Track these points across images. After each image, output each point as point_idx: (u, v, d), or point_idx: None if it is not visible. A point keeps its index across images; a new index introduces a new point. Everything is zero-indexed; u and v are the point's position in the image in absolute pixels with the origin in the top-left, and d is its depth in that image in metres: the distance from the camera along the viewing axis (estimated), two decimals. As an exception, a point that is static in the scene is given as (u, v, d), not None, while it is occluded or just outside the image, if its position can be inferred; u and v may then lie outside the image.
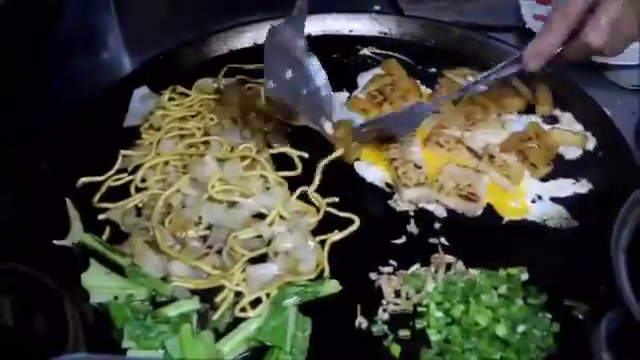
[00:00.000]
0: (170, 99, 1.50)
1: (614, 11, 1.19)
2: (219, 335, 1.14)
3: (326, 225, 1.29)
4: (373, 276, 1.22)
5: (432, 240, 1.27)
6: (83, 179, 1.36)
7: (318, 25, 1.68)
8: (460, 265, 1.22)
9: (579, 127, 1.43)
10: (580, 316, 1.15)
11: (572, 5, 1.22)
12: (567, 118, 1.45)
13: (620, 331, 0.94)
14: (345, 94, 1.54)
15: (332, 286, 1.19)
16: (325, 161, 1.38)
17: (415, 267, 1.23)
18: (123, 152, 1.40)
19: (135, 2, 1.92)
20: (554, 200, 1.34)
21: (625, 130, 1.41)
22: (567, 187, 1.36)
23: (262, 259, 1.23)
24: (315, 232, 1.28)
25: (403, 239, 1.27)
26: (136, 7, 1.90)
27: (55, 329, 1.00)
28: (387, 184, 1.37)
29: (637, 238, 1.01)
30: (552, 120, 1.46)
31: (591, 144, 1.42)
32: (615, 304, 0.95)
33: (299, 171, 1.39)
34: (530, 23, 1.69)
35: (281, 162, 1.40)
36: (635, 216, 1.03)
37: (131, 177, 1.36)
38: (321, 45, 1.64)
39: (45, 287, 1.02)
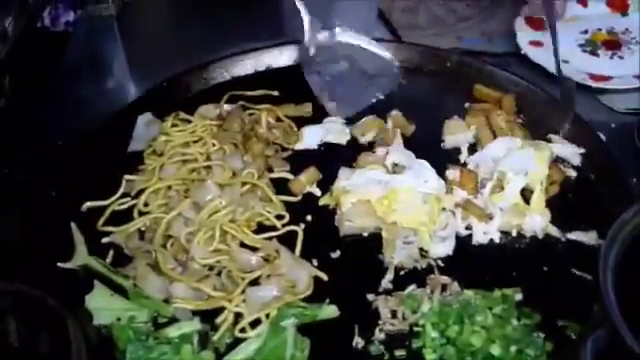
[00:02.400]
0: (173, 125, 1.53)
1: None
2: (219, 355, 1.16)
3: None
4: (370, 297, 1.24)
5: (428, 261, 1.29)
6: (88, 203, 1.39)
7: (318, 52, 1.71)
8: (455, 286, 1.24)
9: (571, 149, 1.46)
10: (573, 336, 1.17)
11: None
12: (559, 140, 1.47)
13: (607, 351, 0.96)
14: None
15: (330, 311, 1.21)
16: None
17: (411, 288, 1.25)
18: (127, 177, 1.42)
19: (141, 31, 1.96)
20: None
21: (618, 153, 1.43)
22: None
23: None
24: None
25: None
26: (142, 36, 1.94)
27: (59, 350, 1.02)
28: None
29: (625, 259, 1.03)
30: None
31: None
32: (603, 324, 0.97)
33: (299, 197, 1.42)
34: (526, 49, 1.72)
35: (282, 186, 1.43)
36: (623, 237, 1.05)
37: (134, 201, 1.39)
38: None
39: (49, 308, 1.04)
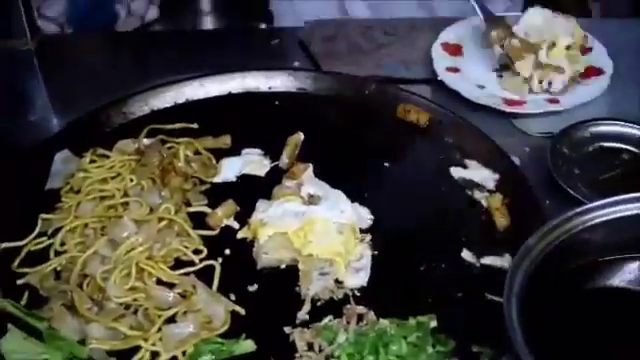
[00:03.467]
0: (91, 161, 1.52)
1: None
2: (136, 396, 1.16)
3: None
4: (287, 330, 1.24)
5: (344, 291, 1.30)
6: (3, 244, 1.37)
7: (238, 83, 1.72)
8: (371, 315, 1.25)
9: (486, 174, 1.49)
10: (487, 361, 1.19)
11: None
12: (474, 165, 1.50)
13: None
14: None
15: (247, 346, 1.21)
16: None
17: (328, 319, 1.25)
18: (43, 216, 1.41)
19: (62, 65, 1.95)
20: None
21: (532, 176, 1.47)
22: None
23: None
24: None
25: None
26: (64, 69, 1.93)
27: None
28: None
29: (530, 284, 1.05)
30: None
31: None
32: (508, 350, 0.99)
33: (217, 231, 1.42)
34: (442, 75, 1.75)
35: (200, 220, 1.42)
36: (528, 262, 1.07)
37: (51, 241, 1.38)
38: (242, 103, 1.70)
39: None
